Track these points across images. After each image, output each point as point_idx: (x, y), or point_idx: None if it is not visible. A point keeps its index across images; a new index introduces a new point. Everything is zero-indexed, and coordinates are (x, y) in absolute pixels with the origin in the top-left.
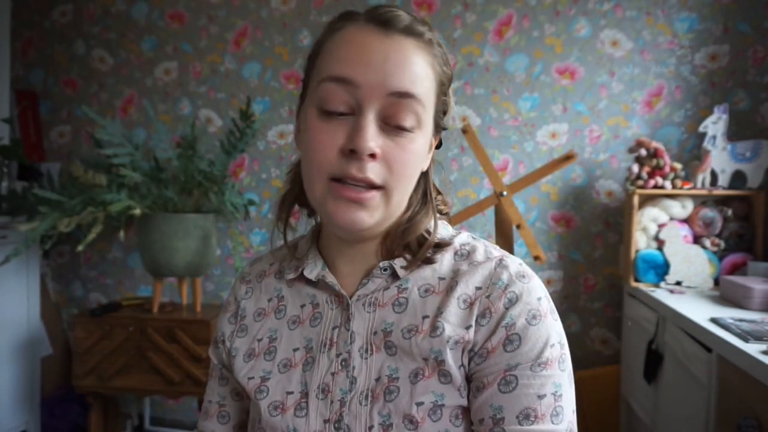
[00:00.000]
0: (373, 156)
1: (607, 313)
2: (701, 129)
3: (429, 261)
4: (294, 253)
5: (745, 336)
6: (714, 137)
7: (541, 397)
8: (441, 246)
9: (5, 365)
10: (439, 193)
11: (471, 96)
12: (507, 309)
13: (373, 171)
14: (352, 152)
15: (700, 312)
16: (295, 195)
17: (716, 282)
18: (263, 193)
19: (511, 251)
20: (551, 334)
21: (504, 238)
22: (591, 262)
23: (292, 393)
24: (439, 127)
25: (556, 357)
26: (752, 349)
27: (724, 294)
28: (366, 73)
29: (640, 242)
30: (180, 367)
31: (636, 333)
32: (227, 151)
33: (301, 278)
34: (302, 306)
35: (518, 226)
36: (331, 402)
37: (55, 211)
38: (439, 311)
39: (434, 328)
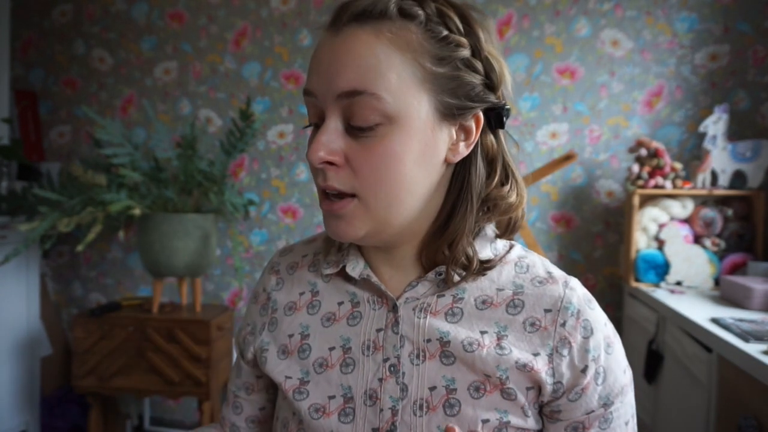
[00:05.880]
0: (331, 163)
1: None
2: (701, 129)
3: (486, 269)
4: (329, 247)
5: (745, 336)
6: (714, 137)
7: (627, 423)
8: (492, 260)
9: (5, 365)
10: (511, 183)
11: None
12: (586, 339)
13: (336, 179)
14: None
15: (700, 312)
16: None
17: (716, 282)
18: (263, 193)
19: None
20: (622, 359)
21: None
22: (591, 262)
23: (334, 397)
24: (465, 109)
25: (630, 379)
26: (753, 349)
27: (724, 294)
28: (317, 81)
29: (641, 242)
30: (180, 368)
31: (636, 333)
32: (227, 151)
33: (340, 274)
34: (339, 303)
35: None
36: (381, 410)
37: (55, 211)
38: (503, 329)
39: (500, 347)
